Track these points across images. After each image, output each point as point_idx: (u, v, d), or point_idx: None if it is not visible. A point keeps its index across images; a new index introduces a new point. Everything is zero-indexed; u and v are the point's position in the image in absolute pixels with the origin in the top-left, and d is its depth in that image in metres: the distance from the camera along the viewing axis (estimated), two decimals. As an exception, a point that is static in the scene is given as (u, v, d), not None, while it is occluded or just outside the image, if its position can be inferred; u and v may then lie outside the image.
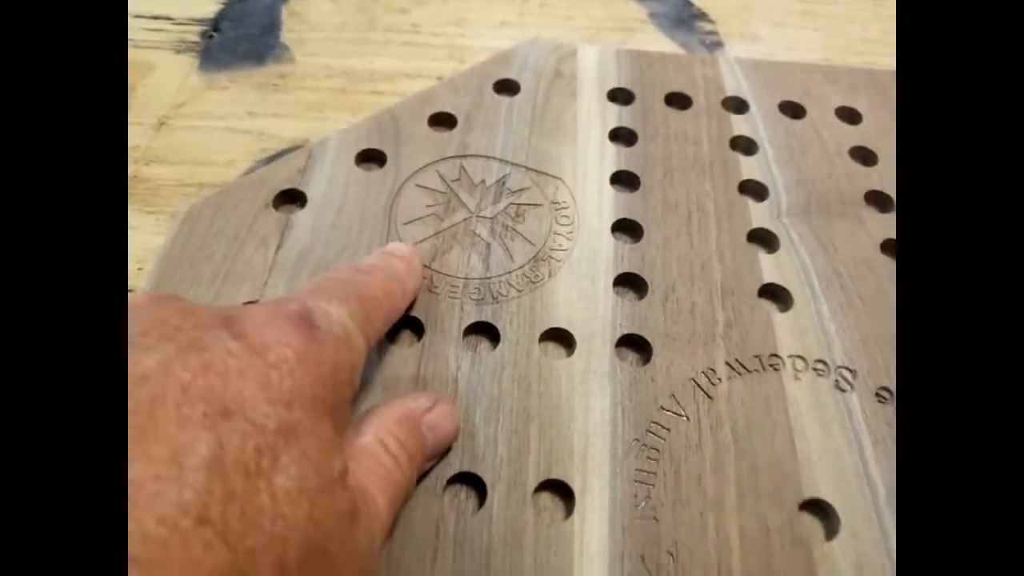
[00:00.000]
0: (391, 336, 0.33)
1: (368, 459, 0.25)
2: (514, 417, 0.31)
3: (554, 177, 0.41)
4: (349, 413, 0.25)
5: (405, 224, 0.37)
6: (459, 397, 0.31)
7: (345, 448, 0.24)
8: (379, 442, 0.25)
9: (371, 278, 0.29)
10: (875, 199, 0.41)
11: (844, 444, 0.31)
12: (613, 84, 0.46)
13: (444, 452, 0.29)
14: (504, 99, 0.45)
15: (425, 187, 0.39)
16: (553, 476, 0.29)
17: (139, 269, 0.36)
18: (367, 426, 0.26)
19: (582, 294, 0.35)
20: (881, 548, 0.29)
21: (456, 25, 0.53)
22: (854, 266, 0.37)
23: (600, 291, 0.36)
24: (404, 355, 0.32)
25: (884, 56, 0.52)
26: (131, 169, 0.40)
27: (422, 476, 0.29)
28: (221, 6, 0.51)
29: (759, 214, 0.40)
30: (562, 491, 0.29)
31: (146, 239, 0.37)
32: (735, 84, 0.47)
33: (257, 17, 0.50)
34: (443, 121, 0.43)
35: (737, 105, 0.46)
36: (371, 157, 0.41)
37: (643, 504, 0.29)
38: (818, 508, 0.30)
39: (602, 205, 0.39)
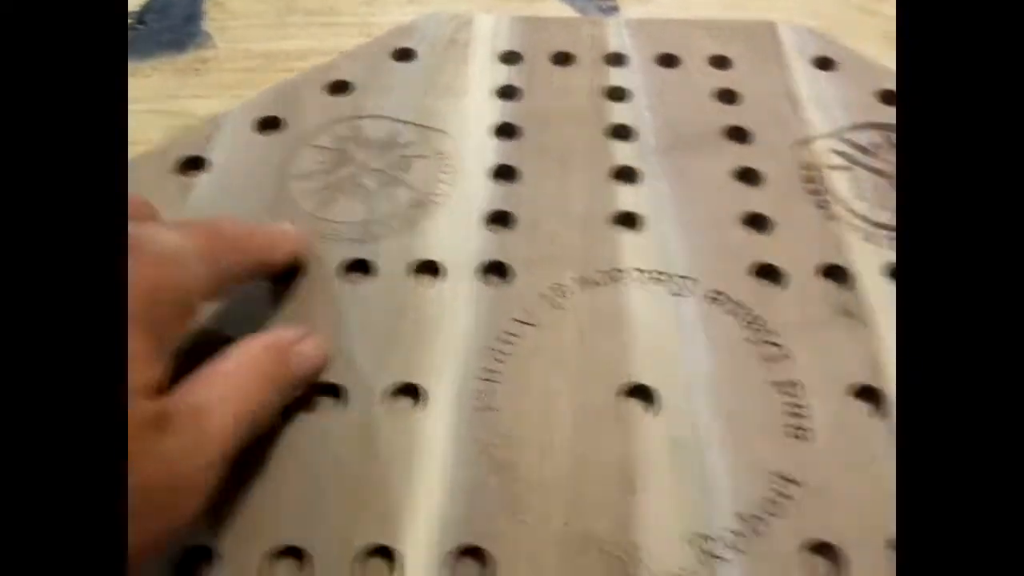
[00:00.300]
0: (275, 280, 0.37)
1: (221, 380, 0.26)
2: (380, 335, 0.35)
3: (440, 131, 0.45)
4: (177, 331, 0.26)
5: (296, 180, 0.42)
6: (334, 326, 0.36)
7: (204, 370, 0.26)
8: (237, 365, 0.27)
9: (234, 226, 0.31)
10: (735, 134, 0.45)
11: (672, 338, 0.36)
12: (504, 48, 0.51)
13: (312, 380, 0.33)
14: (400, 66, 0.49)
15: (319, 146, 0.44)
16: (409, 380, 0.34)
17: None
18: (231, 352, 0.29)
19: (455, 230, 0.40)
20: (694, 424, 0.33)
21: (367, 5, 0.57)
22: (704, 191, 0.42)
23: (473, 227, 0.40)
24: (283, 292, 0.37)
25: (777, 12, 0.55)
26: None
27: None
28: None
29: (625, 153, 0.44)
30: (415, 393, 0.34)
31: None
32: (619, 42, 0.52)
33: (180, 8, 0.55)
34: (340, 88, 0.48)
35: (617, 60, 0.50)
36: (270, 124, 0.45)
37: (486, 396, 0.33)
38: (643, 392, 0.34)
39: (483, 154, 0.44)
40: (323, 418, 0.33)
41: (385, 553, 0.30)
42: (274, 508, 0.30)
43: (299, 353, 0.31)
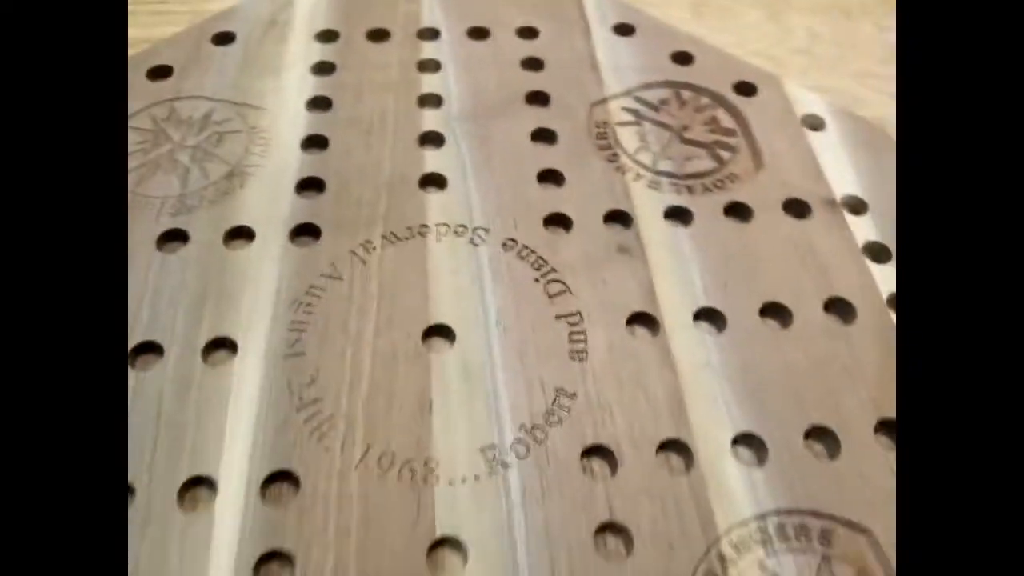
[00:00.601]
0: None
1: None
2: (194, 297, 0.38)
3: (256, 107, 0.47)
4: None
5: (111, 158, 0.44)
6: (148, 291, 0.38)
7: None
8: None
9: None
10: (535, 98, 0.49)
11: (469, 282, 0.39)
12: (322, 27, 0.53)
13: None
14: (219, 49, 0.51)
15: (137, 128, 0.46)
16: (221, 334, 0.36)
17: None
18: None
19: (267, 198, 0.42)
20: (485, 354, 0.37)
21: (196, -9, 0.58)
22: (504, 152, 0.45)
23: (284, 194, 0.43)
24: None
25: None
26: None
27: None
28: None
29: (432, 120, 0.47)
30: (229, 346, 0.36)
31: None
32: (432, 17, 0.55)
33: None
34: (160, 73, 0.49)
35: (430, 34, 0.53)
36: (85, 108, 0.46)
37: (295, 344, 0.36)
38: (441, 331, 0.38)
39: (296, 127, 0.46)
40: (148, 373, 0.35)
41: (207, 483, 0.32)
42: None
43: None
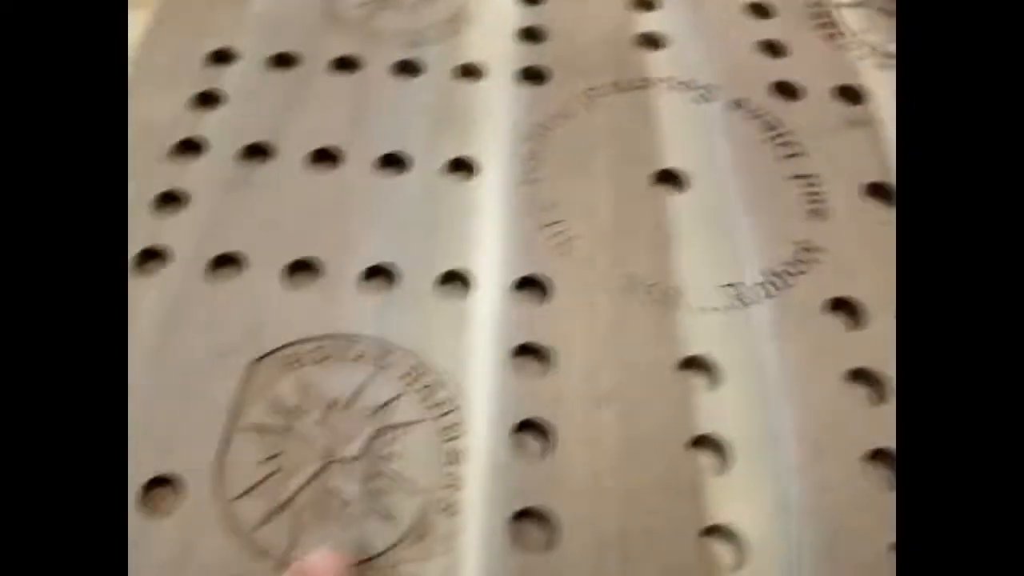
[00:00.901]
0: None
1: None
2: (435, 122, 0.38)
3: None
4: None
5: (345, 4, 0.44)
6: (396, 114, 0.39)
7: None
8: None
9: None
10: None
11: (699, 134, 0.39)
12: None
13: None
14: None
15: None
16: (462, 155, 0.37)
17: None
18: None
19: (492, 41, 0.43)
20: (722, 201, 0.37)
21: None
22: (720, 19, 0.45)
23: (508, 39, 0.43)
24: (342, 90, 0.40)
25: None
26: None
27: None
28: None
29: None
30: (469, 166, 0.37)
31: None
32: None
33: None
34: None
35: None
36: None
37: (532, 171, 0.37)
38: (674, 175, 0.38)
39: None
40: (393, 180, 0.36)
41: (460, 277, 0.34)
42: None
43: None
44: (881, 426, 0.30)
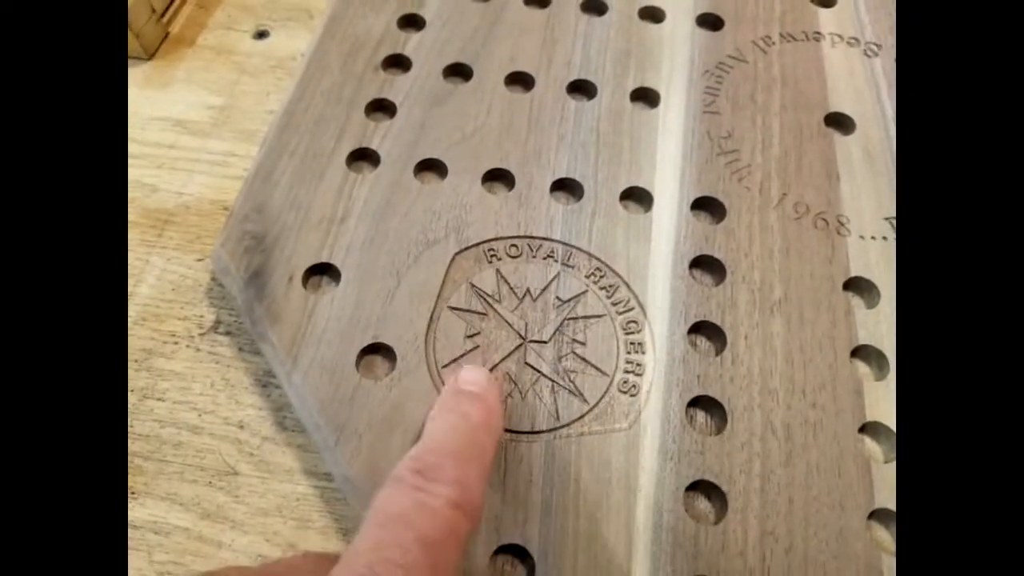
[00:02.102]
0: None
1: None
2: (618, 53, 0.42)
3: None
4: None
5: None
6: (579, 40, 0.42)
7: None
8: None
9: (436, 501, 0.23)
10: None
11: (865, 85, 0.41)
12: None
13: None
14: None
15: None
16: (646, 85, 0.40)
17: None
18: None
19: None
20: (886, 145, 0.39)
21: None
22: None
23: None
24: (538, 21, 0.43)
25: None
26: None
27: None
28: None
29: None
30: (653, 96, 0.40)
31: None
32: None
33: None
34: None
35: None
36: None
37: (710, 104, 0.40)
38: (841, 119, 0.40)
39: None
40: (585, 104, 0.40)
41: (644, 194, 0.37)
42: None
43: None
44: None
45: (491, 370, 0.32)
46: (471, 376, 0.28)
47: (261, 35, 0.48)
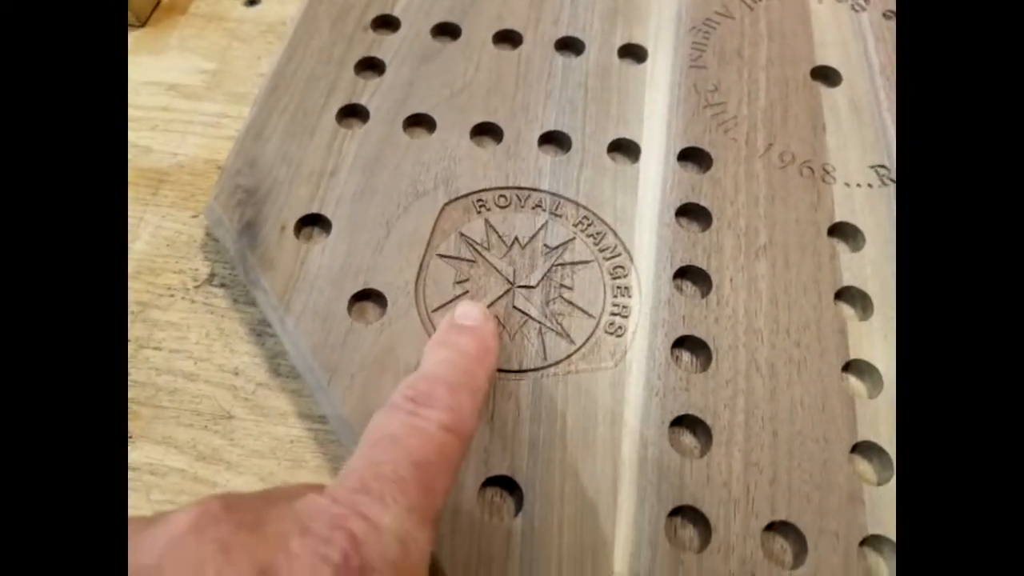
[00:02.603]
0: None
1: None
2: (605, 9, 0.42)
3: None
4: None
5: None
6: (572, 5, 0.42)
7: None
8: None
9: (429, 424, 0.23)
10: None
11: (852, 38, 0.42)
12: None
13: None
14: None
15: None
16: (633, 41, 0.41)
17: None
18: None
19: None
20: (872, 97, 0.39)
21: None
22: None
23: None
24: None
25: None
26: None
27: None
28: None
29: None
30: (640, 52, 0.41)
31: None
32: None
33: None
34: None
35: None
36: None
37: (697, 59, 0.40)
38: (824, 73, 0.40)
39: None
40: (573, 60, 0.40)
41: (631, 146, 0.37)
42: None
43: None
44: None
45: None
46: (467, 310, 0.29)
47: (252, 2, 0.48)
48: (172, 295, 0.35)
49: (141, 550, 0.18)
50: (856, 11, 0.43)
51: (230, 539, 0.18)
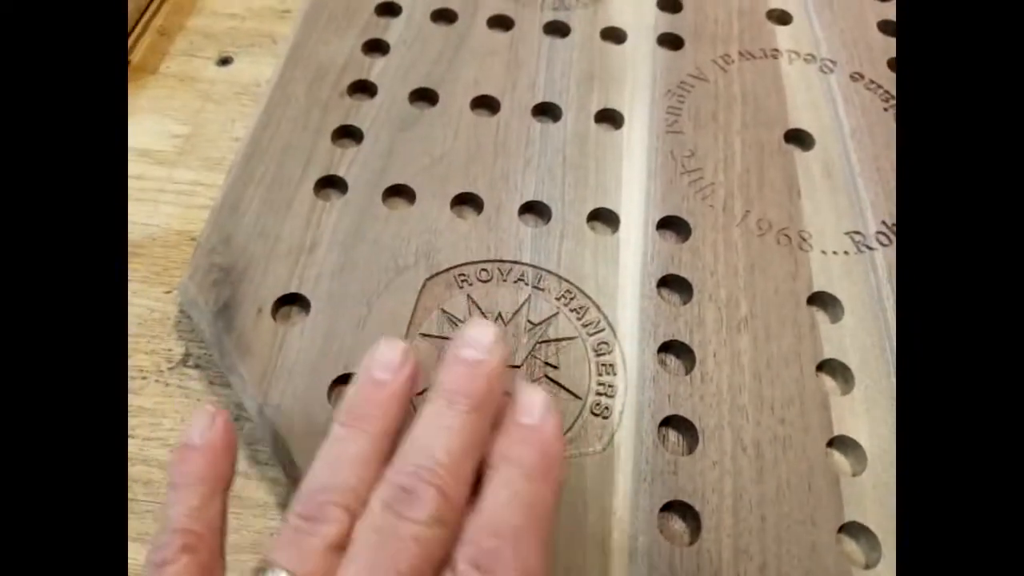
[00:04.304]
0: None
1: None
2: (582, 75, 0.42)
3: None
4: None
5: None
6: (543, 65, 0.43)
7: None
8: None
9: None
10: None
11: (823, 101, 0.42)
12: None
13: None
14: None
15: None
16: (609, 106, 0.41)
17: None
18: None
19: (633, 8, 0.46)
20: (844, 160, 0.40)
21: None
22: (843, 3, 0.48)
23: (646, 7, 0.46)
24: (499, 43, 0.44)
25: None
26: None
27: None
28: None
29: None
30: (617, 117, 0.41)
31: None
32: None
33: None
34: None
35: None
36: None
37: (673, 124, 0.40)
38: (799, 137, 0.41)
39: None
40: (551, 126, 0.40)
41: (610, 215, 0.37)
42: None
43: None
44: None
45: None
46: (533, 399, 0.21)
47: (224, 62, 0.47)
48: (145, 378, 0.34)
49: None
50: (824, 72, 0.44)
51: None
